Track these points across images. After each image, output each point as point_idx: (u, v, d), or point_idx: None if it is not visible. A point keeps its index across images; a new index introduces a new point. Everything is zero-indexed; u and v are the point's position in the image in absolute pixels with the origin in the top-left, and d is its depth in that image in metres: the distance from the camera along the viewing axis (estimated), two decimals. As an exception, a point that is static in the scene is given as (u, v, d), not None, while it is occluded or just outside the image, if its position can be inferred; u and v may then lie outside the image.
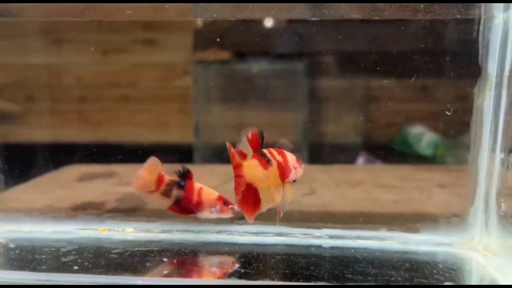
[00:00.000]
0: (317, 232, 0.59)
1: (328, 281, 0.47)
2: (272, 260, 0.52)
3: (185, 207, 0.51)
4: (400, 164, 0.89)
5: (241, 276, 0.47)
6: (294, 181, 0.49)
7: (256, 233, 0.59)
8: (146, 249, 0.53)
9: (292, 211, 0.62)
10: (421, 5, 0.53)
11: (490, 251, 0.53)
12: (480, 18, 0.53)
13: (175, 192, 0.51)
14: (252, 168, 0.47)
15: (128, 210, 0.66)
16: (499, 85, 0.53)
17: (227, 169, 0.64)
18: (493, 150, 0.54)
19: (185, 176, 0.51)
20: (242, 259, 0.52)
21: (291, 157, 0.48)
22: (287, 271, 0.49)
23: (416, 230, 0.58)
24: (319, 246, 0.57)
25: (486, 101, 0.54)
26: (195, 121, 1.47)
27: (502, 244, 0.52)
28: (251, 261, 0.51)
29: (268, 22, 1.25)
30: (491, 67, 0.54)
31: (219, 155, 0.75)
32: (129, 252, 0.52)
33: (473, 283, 0.49)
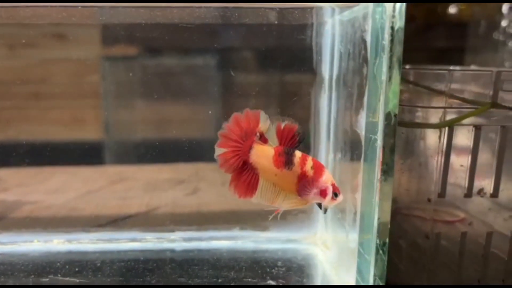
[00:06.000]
0: (172, 235, 0.60)
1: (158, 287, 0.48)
2: (109, 268, 0.52)
3: None
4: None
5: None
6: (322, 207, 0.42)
7: (109, 240, 0.59)
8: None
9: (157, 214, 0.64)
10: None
11: (326, 245, 0.57)
12: (312, 24, 0.56)
13: None
14: (260, 157, 0.41)
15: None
16: (330, 88, 0.55)
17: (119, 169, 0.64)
18: (328, 150, 0.56)
19: None
20: (77, 269, 0.52)
21: (326, 180, 0.41)
22: (121, 279, 0.50)
23: (266, 228, 0.60)
24: (173, 250, 0.58)
25: (321, 103, 0.57)
26: (105, 118, 1.44)
27: (333, 239, 0.55)
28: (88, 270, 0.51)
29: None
30: (324, 70, 0.56)
31: (129, 153, 0.74)
32: None
33: (307, 280, 0.51)
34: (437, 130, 0.47)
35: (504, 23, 0.95)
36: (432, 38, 0.98)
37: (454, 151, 0.46)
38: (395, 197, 0.51)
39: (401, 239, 0.53)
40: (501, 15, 0.96)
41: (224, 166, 0.42)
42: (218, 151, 0.41)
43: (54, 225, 0.61)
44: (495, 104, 0.44)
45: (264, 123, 0.41)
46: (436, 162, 0.46)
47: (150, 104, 0.67)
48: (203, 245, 0.59)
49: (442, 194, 0.46)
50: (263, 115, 0.41)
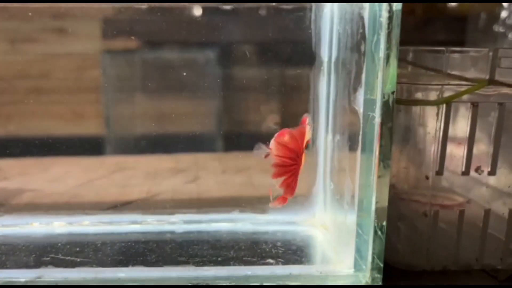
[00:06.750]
0: (172, 218, 0.60)
1: (158, 265, 0.48)
2: (109, 248, 0.53)
3: None
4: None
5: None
6: None
7: (110, 223, 0.59)
8: None
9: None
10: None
11: (325, 227, 0.57)
12: (311, 7, 0.56)
13: None
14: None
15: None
16: (329, 70, 0.56)
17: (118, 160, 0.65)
18: (327, 132, 0.57)
19: None
20: (78, 249, 0.52)
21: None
22: (121, 258, 0.50)
23: (265, 211, 0.61)
24: (173, 232, 0.58)
25: (321, 86, 0.57)
26: (106, 112, 1.45)
27: (332, 220, 0.55)
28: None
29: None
30: (323, 53, 0.56)
31: (130, 146, 0.75)
32: None
33: (306, 259, 0.52)
34: (435, 108, 0.47)
35: (504, 14, 0.95)
36: (431, 31, 0.98)
37: (451, 129, 0.46)
38: (394, 178, 0.51)
39: (400, 221, 0.53)
40: (501, 7, 0.96)
41: (288, 191, 0.44)
42: (278, 182, 0.43)
43: (55, 209, 0.61)
44: (492, 81, 0.44)
45: (309, 133, 0.43)
46: (434, 140, 0.47)
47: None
48: (203, 227, 0.60)
49: (440, 171, 0.47)
50: (309, 128, 0.43)
